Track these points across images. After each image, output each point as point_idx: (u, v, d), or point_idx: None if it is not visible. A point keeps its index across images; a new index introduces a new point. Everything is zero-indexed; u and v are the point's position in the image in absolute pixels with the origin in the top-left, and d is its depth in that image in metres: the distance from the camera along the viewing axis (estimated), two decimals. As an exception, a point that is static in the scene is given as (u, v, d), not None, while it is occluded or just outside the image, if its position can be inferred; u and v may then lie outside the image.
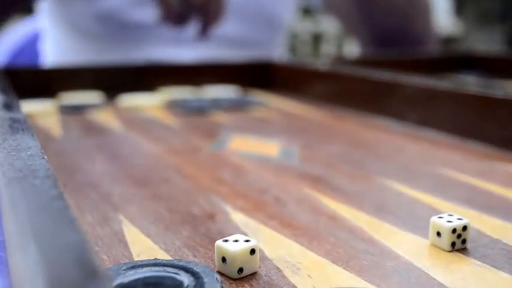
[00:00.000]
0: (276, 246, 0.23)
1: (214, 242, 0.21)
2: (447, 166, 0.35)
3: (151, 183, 0.32)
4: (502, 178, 0.33)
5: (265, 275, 0.21)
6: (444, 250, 0.23)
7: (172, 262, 0.21)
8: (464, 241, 0.23)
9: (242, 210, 0.28)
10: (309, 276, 0.21)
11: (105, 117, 0.51)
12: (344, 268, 0.21)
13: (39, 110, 0.51)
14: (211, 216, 0.27)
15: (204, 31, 0.63)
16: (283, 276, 0.21)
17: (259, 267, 0.21)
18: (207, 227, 0.25)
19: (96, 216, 0.27)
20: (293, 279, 0.20)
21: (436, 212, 0.26)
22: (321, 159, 0.38)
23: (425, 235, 0.24)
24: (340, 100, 0.55)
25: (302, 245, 0.24)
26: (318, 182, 0.32)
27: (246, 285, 0.20)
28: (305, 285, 0.20)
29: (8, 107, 0.31)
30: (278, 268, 0.21)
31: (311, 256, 0.22)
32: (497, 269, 0.21)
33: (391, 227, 0.26)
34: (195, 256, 0.22)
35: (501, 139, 0.39)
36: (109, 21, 0.75)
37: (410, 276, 0.21)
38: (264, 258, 0.22)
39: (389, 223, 0.26)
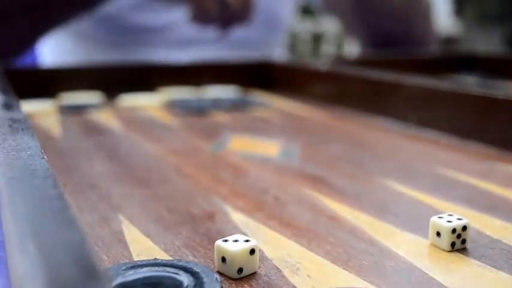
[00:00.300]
0: (275, 246, 0.23)
1: (214, 242, 0.21)
2: (447, 166, 0.35)
3: (151, 183, 0.32)
4: (502, 178, 0.33)
5: (265, 275, 0.21)
6: (444, 250, 0.23)
7: (172, 262, 0.21)
8: (464, 241, 0.23)
9: (242, 210, 0.28)
10: (308, 276, 0.21)
11: (105, 117, 0.51)
12: (344, 268, 0.21)
13: (39, 110, 0.51)
14: (211, 216, 0.27)
15: (227, 32, 0.64)
16: (283, 276, 0.21)
17: (259, 267, 0.21)
18: (207, 227, 0.25)
19: (96, 216, 0.27)
20: (293, 280, 0.20)
21: (436, 212, 0.26)
22: (321, 159, 0.38)
23: (425, 235, 0.24)
24: (340, 100, 0.55)
25: (302, 245, 0.24)
26: (318, 182, 0.32)
27: (246, 285, 0.20)
28: (305, 285, 0.20)
29: (8, 107, 0.31)
30: (278, 268, 0.21)
31: (311, 256, 0.22)
32: (497, 269, 0.21)
33: (391, 227, 0.26)
34: (194, 256, 0.22)
35: (501, 140, 0.39)
36: (109, 25, 0.75)
37: (410, 276, 0.21)
38: (263, 258, 0.22)
39: (389, 223, 0.26)
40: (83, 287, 0.10)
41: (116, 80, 0.60)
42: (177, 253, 0.23)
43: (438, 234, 0.23)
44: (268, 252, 0.23)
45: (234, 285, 0.20)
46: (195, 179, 0.33)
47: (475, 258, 0.22)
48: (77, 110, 0.53)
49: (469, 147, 0.40)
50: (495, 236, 0.24)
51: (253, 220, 0.26)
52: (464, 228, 0.23)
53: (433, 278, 0.21)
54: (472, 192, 0.31)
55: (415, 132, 0.45)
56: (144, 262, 0.21)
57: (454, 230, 0.23)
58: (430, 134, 0.44)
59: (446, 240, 0.23)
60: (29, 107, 0.50)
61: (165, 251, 0.23)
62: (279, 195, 0.30)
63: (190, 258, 0.22)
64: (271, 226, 0.26)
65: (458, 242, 0.23)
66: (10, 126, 0.26)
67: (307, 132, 0.47)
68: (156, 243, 0.24)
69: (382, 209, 0.28)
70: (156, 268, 0.20)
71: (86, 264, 0.11)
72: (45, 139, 0.42)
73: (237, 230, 0.25)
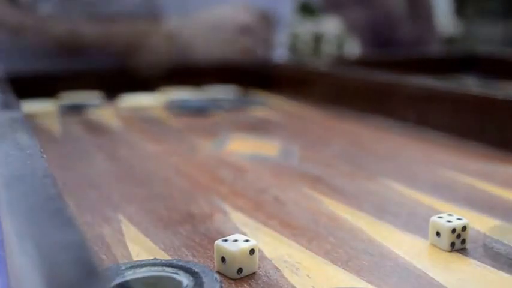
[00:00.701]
0: (275, 246, 0.23)
1: (214, 241, 0.21)
2: (447, 167, 0.35)
3: (151, 183, 0.32)
4: (502, 179, 0.33)
5: (265, 275, 0.21)
6: (444, 250, 0.23)
7: (171, 262, 0.21)
8: (463, 241, 0.23)
9: (241, 210, 0.28)
10: (308, 276, 0.21)
11: (105, 117, 0.51)
12: (343, 268, 0.21)
13: (39, 110, 0.51)
14: (210, 216, 0.27)
15: None
16: (283, 277, 0.21)
17: (259, 267, 0.21)
18: (206, 226, 0.25)
19: (96, 216, 0.27)
20: (292, 280, 0.20)
21: (436, 212, 0.26)
22: (320, 159, 0.38)
23: (425, 235, 0.24)
24: (340, 100, 0.55)
25: (301, 245, 0.23)
26: (318, 182, 0.32)
27: (245, 285, 0.20)
28: (304, 285, 0.20)
29: (8, 106, 0.31)
30: (277, 268, 0.21)
31: (310, 256, 0.22)
32: (497, 269, 0.21)
33: (390, 227, 0.26)
34: (194, 256, 0.22)
35: (501, 140, 0.39)
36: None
37: (410, 276, 0.21)
38: (263, 258, 0.22)
39: (389, 223, 0.26)
40: (81, 286, 0.10)
41: (116, 79, 0.60)
42: (177, 253, 0.23)
43: (438, 234, 0.23)
44: (268, 252, 0.23)
45: (233, 285, 0.20)
46: (195, 179, 0.33)
47: (475, 258, 0.22)
48: (77, 109, 0.53)
49: (469, 147, 0.40)
50: (495, 236, 0.24)
51: (253, 220, 0.26)
52: (464, 228, 0.23)
53: (433, 278, 0.21)
54: (472, 193, 0.31)
55: (415, 132, 0.45)
56: (143, 262, 0.21)
57: (454, 230, 0.23)
58: (430, 134, 0.44)
59: (446, 240, 0.23)
60: (29, 107, 0.50)
61: (165, 250, 0.23)
62: (279, 195, 0.30)
63: (190, 258, 0.22)
64: (271, 226, 0.26)
65: (458, 242, 0.23)
66: (9, 126, 0.26)
67: (307, 132, 0.47)
68: (155, 243, 0.24)
69: (381, 209, 0.28)
70: (156, 268, 0.20)
71: (84, 264, 0.11)
72: (45, 139, 0.42)
73: (237, 229, 0.25)
